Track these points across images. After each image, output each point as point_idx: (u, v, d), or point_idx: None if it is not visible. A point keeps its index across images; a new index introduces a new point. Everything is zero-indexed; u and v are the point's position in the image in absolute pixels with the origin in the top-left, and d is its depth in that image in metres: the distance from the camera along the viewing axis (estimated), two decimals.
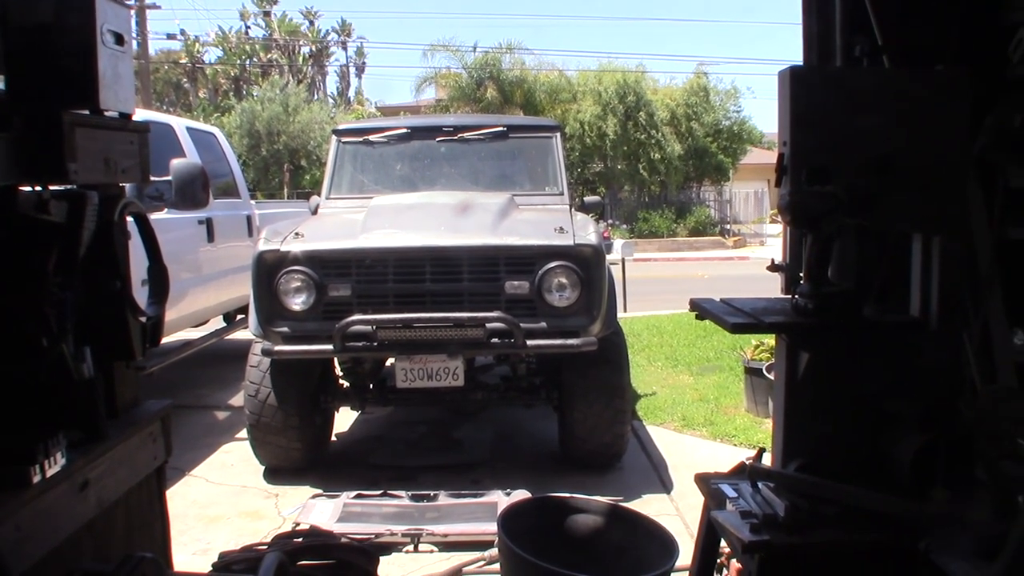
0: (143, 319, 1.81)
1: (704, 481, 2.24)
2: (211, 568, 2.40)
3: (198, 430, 6.11)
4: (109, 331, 1.72)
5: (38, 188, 1.63)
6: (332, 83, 50.34)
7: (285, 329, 4.46)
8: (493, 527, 4.06)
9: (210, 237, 6.71)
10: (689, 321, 10.51)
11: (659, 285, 14.77)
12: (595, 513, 3.28)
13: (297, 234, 4.58)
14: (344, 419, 5.81)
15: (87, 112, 1.73)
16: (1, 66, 1.64)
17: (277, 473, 5.01)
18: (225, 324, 7.65)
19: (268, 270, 4.45)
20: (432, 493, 4.50)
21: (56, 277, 1.61)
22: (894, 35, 2.32)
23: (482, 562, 3.81)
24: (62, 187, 1.66)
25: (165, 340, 6.61)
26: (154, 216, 5.73)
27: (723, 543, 2.31)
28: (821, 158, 1.92)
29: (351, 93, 46.68)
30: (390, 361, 5.55)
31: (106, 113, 1.79)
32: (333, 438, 5.52)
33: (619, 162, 27.80)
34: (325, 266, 4.47)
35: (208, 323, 7.59)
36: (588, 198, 6.53)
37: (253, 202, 8.50)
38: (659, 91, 28.68)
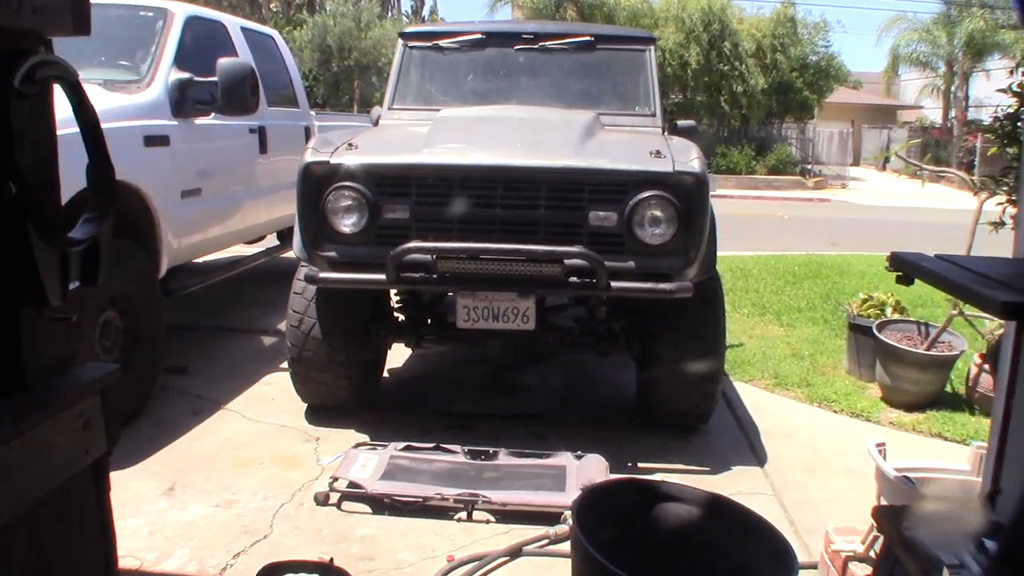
0: (67, 246, 1.18)
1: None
2: None
3: (242, 356, 5.64)
4: (5, 263, 1.11)
5: None
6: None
7: (332, 254, 3.87)
8: (560, 498, 3.48)
9: (263, 148, 6.14)
10: (776, 265, 9.70)
11: (738, 224, 13.85)
12: (691, 504, 2.65)
13: (350, 145, 3.95)
14: (396, 355, 5.26)
15: None
16: None
17: (319, 413, 4.49)
18: (279, 242, 7.11)
19: (315, 185, 3.84)
20: (491, 450, 3.92)
21: None
22: None
23: (546, 540, 3.24)
24: None
25: (214, 257, 6.13)
26: (200, 121, 5.29)
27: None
28: None
29: (425, 11, 45.47)
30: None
31: None
32: (385, 374, 4.99)
33: (700, 93, 26.48)
34: (380, 183, 3.84)
35: (264, 240, 7.10)
36: (682, 122, 5.77)
37: (314, 112, 7.88)
38: (745, 20, 27.09)
